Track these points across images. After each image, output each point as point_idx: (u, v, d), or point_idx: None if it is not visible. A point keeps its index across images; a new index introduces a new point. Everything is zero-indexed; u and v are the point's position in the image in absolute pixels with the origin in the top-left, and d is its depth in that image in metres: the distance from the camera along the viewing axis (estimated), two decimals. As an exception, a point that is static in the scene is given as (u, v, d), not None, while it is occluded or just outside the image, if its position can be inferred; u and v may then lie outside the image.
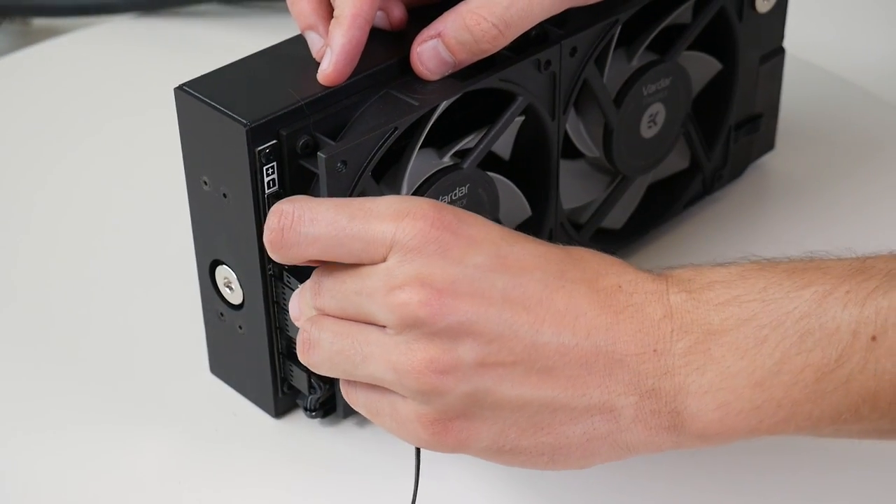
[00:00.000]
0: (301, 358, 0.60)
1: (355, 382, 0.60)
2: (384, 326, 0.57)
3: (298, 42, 0.66)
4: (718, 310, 0.57)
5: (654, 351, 0.57)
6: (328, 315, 0.59)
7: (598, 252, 0.60)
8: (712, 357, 0.56)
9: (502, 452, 0.58)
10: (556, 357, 0.56)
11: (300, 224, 0.58)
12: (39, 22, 1.07)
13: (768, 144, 0.86)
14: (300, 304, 0.61)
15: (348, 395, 0.60)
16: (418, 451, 0.61)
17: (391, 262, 0.57)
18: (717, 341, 0.56)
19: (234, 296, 0.67)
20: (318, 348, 0.59)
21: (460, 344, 0.56)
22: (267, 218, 0.59)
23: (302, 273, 0.63)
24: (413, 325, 0.56)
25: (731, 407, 0.56)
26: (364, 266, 0.58)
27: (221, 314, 0.68)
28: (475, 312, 0.56)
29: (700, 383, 0.56)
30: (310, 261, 0.59)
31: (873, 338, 0.55)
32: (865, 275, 0.56)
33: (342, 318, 0.59)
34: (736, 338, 0.56)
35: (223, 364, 0.71)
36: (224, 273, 0.67)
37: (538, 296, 0.57)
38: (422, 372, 0.56)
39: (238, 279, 0.66)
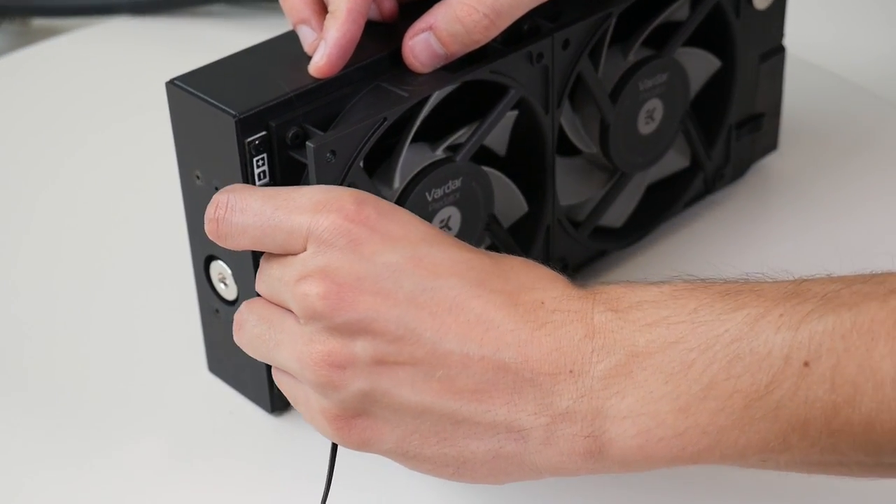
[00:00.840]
0: (234, 338, 0.61)
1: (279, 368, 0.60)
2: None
3: (289, 38, 0.66)
4: (644, 331, 0.55)
5: (570, 372, 0.55)
6: (262, 299, 0.60)
7: (537, 265, 0.59)
8: (635, 380, 0.54)
9: (408, 457, 0.57)
10: (458, 367, 0.55)
11: (231, 214, 0.59)
12: (39, 22, 1.07)
13: (771, 144, 0.85)
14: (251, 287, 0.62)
15: (275, 378, 0.61)
16: (334, 446, 0.61)
17: (306, 253, 0.57)
18: (640, 364, 0.54)
19: (229, 291, 0.67)
20: (242, 330, 0.60)
21: (358, 340, 0.55)
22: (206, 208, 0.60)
23: None
24: (313, 317, 0.56)
25: (651, 434, 0.54)
26: (287, 255, 0.58)
27: (217, 310, 0.68)
28: (375, 311, 0.55)
29: (619, 408, 0.54)
30: (249, 249, 0.60)
31: (806, 363, 0.52)
32: (800, 297, 0.54)
33: (271, 304, 0.59)
34: (661, 361, 0.54)
35: (220, 361, 0.71)
36: (219, 268, 0.66)
37: (448, 303, 0.55)
38: (319, 364, 0.56)
39: (232, 274, 0.66)
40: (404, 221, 0.57)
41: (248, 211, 0.58)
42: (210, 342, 0.71)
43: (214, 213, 0.59)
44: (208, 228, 0.60)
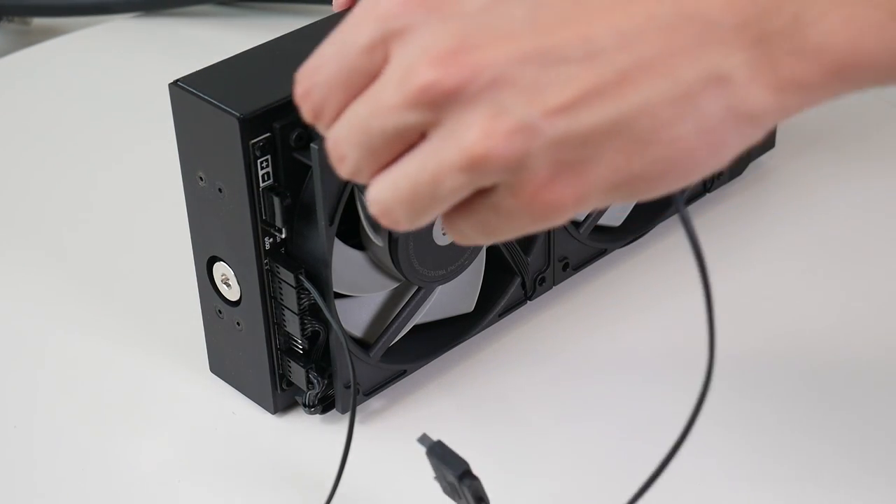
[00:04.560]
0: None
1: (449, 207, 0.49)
2: (422, 135, 0.48)
3: (292, 39, 0.66)
4: None
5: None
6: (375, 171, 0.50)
7: None
8: None
9: (621, 189, 0.48)
10: (624, 52, 0.46)
11: (314, 76, 0.50)
12: (39, 22, 1.07)
13: (769, 142, 0.86)
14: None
15: (453, 226, 0.50)
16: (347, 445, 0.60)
17: (393, 56, 0.48)
18: None
19: (232, 292, 0.67)
20: (380, 201, 0.50)
21: (508, 98, 0.46)
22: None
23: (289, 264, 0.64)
24: (444, 105, 0.46)
25: (860, 20, 0.46)
26: (371, 87, 0.48)
27: (219, 311, 0.68)
28: (506, 57, 0.46)
29: (819, 4, 0.46)
30: (340, 110, 0.50)
31: None
32: None
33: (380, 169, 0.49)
34: None
35: (222, 362, 0.71)
36: (221, 269, 0.67)
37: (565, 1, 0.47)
38: (488, 148, 0.46)
39: (235, 275, 0.66)
40: None
41: (322, 64, 0.50)
42: (212, 343, 0.71)
43: (302, 91, 0.51)
44: (305, 113, 0.51)
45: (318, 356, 0.67)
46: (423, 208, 0.49)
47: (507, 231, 0.49)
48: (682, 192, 0.50)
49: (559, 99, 0.46)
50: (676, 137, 0.46)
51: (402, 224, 0.49)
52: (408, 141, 0.48)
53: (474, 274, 0.71)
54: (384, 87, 0.47)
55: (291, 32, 0.67)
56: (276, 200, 0.62)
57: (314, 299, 0.64)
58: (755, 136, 0.48)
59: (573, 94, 0.46)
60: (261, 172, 0.62)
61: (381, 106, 0.47)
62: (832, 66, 0.46)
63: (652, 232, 0.80)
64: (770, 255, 0.79)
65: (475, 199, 0.49)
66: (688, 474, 0.64)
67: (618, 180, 0.47)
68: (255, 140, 0.61)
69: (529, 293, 0.74)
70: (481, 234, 0.50)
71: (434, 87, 0.46)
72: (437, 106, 0.46)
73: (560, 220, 0.48)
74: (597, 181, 0.47)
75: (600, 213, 0.76)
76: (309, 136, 0.62)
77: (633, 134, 0.46)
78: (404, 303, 0.69)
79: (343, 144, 0.49)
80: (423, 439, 0.57)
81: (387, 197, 0.49)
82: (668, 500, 0.63)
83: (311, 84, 0.50)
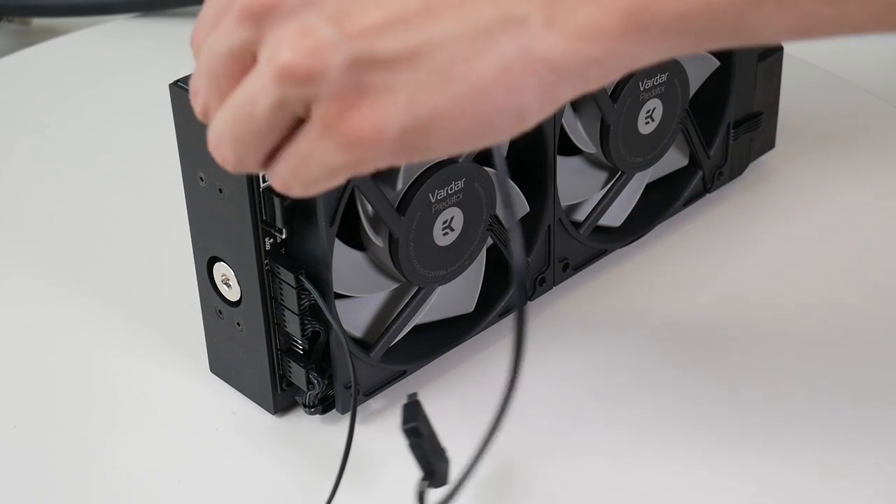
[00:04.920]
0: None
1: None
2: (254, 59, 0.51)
3: None
4: None
5: None
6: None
7: None
8: None
9: (420, 129, 0.49)
10: None
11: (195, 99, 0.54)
12: (39, 22, 1.07)
13: (768, 143, 0.86)
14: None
15: (273, 172, 0.53)
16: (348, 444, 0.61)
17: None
18: None
19: (232, 293, 0.67)
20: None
21: (316, 18, 0.49)
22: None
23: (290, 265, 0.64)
24: (263, 21, 0.50)
25: None
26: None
27: (220, 311, 0.68)
28: None
29: None
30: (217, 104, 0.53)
31: None
32: None
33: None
34: None
35: (222, 362, 0.71)
36: (222, 270, 0.67)
37: None
38: (291, 61, 0.48)
39: (235, 276, 0.66)
40: None
41: (199, 75, 0.53)
42: (212, 343, 0.71)
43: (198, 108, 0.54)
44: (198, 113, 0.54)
45: (319, 357, 0.67)
46: (245, 136, 0.51)
47: (317, 171, 0.51)
48: (500, 147, 0.52)
49: (363, 23, 0.48)
50: (474, 74, 0.48)
51: (230, 162, 0.52)
52: (242, 64, 0.51)
53: (474, 274, 0.71)
54: (224, 14, 0.51)
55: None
56: (277, 201, 0.62)
57: (314, 300, 0.64)
58: (558, 88, 0.49)
59: (377, 20, 0.48)
60: (261, 173, 0.62)
61: (219, 29, 0.51)
62: (627, 10, 0.47)
63: (652, 232, 0.80)
64: (769, 255, 0.79)
65: (289, 140, 0.51)
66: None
67: (416, 115, 0.49)
68: (255, 140, 0.61)
69: (529, 294, 0.74)
70: (295, 176, 0.51)
71: (254, 3, 0.49)
72: (258, 21, 0.49)
73: (364, 158, 0.50)
74: (395, 112, 0.49)
75: (600, 212, 0.76)
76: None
77: (432, 66, 0.48)
78: (404, 303, 0.69)
79: (195, 80, 0.53)
80: (411, 397, 0.59)
81: (217, 127, 0.52)
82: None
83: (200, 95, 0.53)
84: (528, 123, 0.50)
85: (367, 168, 0.50)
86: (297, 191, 0.52)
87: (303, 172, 0.51)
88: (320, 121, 0.49)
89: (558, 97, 0.49)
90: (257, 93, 0.50)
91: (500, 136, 0.50)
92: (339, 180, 0.51)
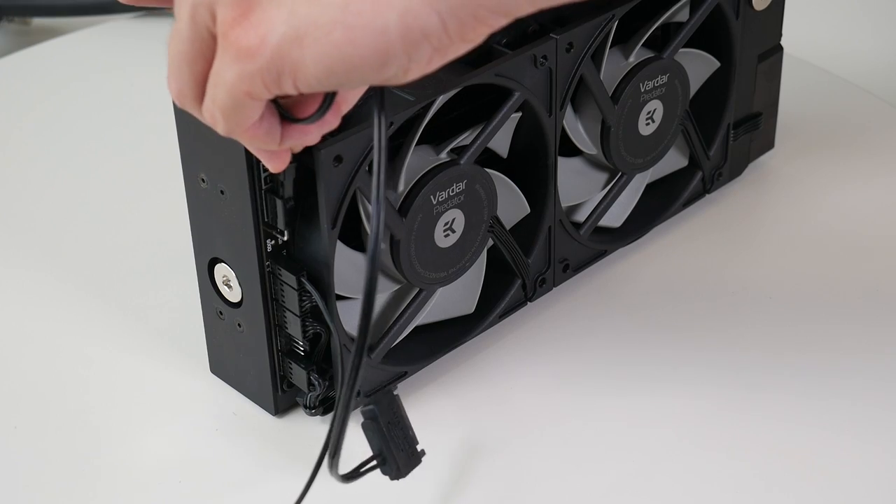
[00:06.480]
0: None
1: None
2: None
3: None
4: None
5: None
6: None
7: None
8: None
9: (298, 37, 0.51)
10: None
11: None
12: (39, 22, 1.07)
13: (768, 143, 0.86)
14: None
15: (204, 109, 0.55)
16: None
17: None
18: None
19: (233, 294, 0.67)
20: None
21: None
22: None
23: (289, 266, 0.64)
24: None
25: None
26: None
27: (221, 312, 0.68)
28: None
29: None
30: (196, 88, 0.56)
31: None
32: None
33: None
34: None
35: (223, 363, 0.71)
36: (223, 271, 0.67)
37: None
38: None
39: (237, 277, 0.66)
40: None
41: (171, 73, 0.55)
42: (213, 344, 0.71)
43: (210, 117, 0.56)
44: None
45: (320, 358, 0.67)
46: (177, 60, 0.54)
47: (223, 93, 0.53)
48: (380, 90, 0.53)
49: None
50: None
51: (173, 91, 0.55)
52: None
53: (475, 276, 0.71)
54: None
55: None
56: (278, 202, 0.62)
57: (315, 301, 0.64)
58: (419, 11, 0.50)
59: None
60: (263, 175, 0.62)
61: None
62: None
63: (652, 232, 0.80)
64: (769, 255, 0.79)
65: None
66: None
67: (294, 24, 0.50)
68: (257, 143, 0.61)
69: (530, 294, 0.75)
70: (214, 102, 0.53)
71: None
72: None
73: (251, 70, 0.51)
74: (278, 22, 0.51)
75: (601, 212, 0.76)
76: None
77: None
78: (405, 304, 0.69)
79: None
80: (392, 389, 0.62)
81: (168, 62, 0.55)
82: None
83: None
84: (392, 55, 0.50)
85: (261, 90, 0.52)
86: (220, 125, 0.54)
87: (218, 97, 0.53)
88: (221, 33, 0.52)
89: (418, 29, 0.50)
90: (179, 13, 0.53)
91: (366, 61, 0.51)
92: (247, 110, 0.53)
